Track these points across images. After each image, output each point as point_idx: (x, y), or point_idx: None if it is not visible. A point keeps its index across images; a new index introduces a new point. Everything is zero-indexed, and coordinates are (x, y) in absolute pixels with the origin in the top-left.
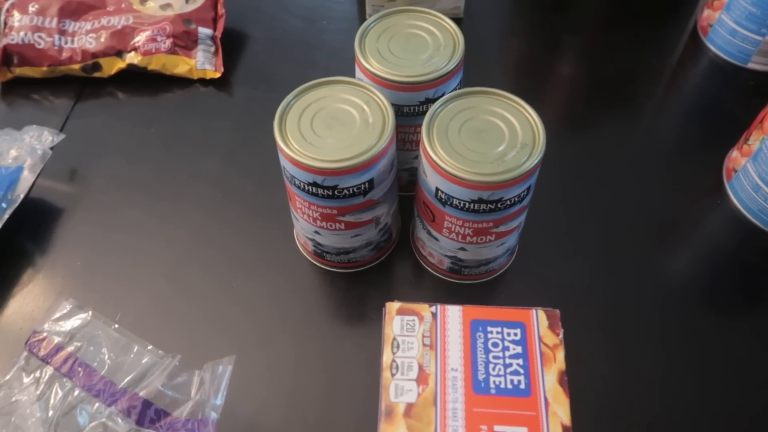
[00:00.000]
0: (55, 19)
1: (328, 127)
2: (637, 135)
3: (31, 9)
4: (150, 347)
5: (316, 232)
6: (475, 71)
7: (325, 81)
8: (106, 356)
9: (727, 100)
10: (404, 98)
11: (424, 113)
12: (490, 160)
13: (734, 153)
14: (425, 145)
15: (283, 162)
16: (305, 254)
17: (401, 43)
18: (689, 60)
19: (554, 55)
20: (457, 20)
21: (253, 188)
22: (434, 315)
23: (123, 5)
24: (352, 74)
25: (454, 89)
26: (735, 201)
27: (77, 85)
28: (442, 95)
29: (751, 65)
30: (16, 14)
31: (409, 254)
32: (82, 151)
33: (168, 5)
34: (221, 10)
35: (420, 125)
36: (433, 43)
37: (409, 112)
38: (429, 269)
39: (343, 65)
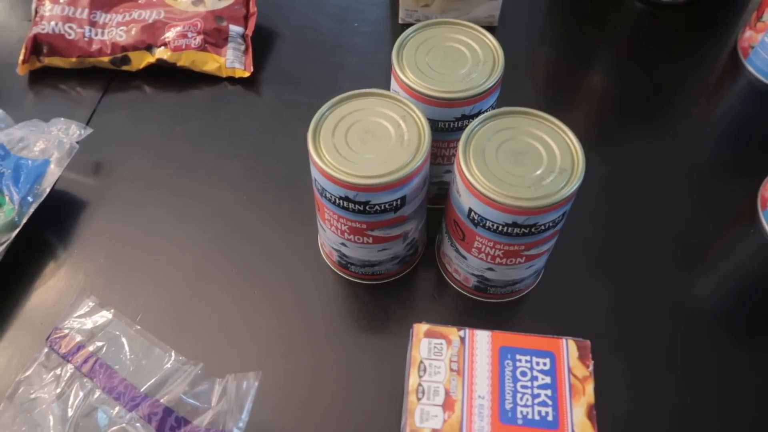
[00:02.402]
0: (87, 10)
1: (363, 141)
2: (670, 155)
3: None
4: (172, 352)
5: (343, 243)
6: (507, 81)
7: (361, 93)
8: (127, 358)
9: (765, 125)
10: (440, 113)
11: (459, 129)
12: (528, 184)
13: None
14: (461, 165)
15: (315, 174)
16: (329, 263)
17: (439, 56)
18: (727, 81)
19: (588, 67)
20: (491, 29)
21: (279, 192)
22: (462, 340)
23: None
24: (382, 79)
25: (492, 106)
26: None
27: (105, 77)
28: (479, 112)
29: None
30: (48, 3)
31: (434, 268)
32: (107, 145)
33: (200, 1)
34: (253, 8)
35: (454, 140)
36: (472, 58)
37: (444, 128)
38: (454, 285)
39: (372, 70)
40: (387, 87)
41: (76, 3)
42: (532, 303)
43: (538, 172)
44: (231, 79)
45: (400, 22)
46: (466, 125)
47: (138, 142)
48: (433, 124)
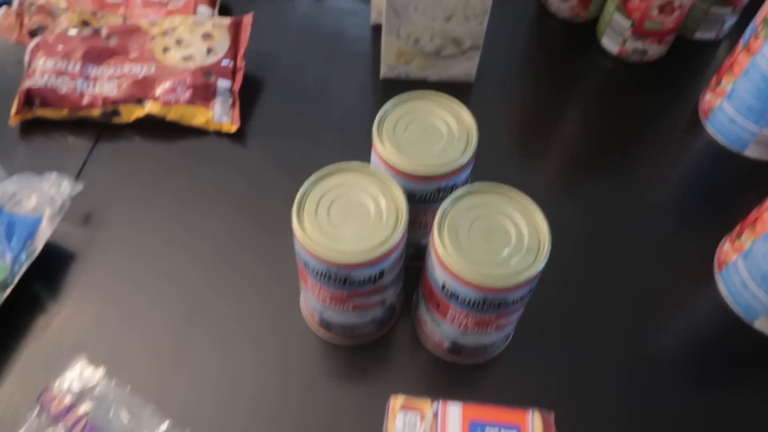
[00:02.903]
0: (79, 64)
1: (344, 218)
2: (635, 211)
3: (56, 50)
4: (160, 417)
5: (324, 308)
6: (482, 134)
7: (342, 168)
8: (117, 421)
9: (724, 184)
10: (418, 187)
11: (436, 200)
12: (497, 263)
13: (726, 245)
14: (436, 242)
15: (298, 248)
16: (310, 324)
17: (417, 131)
18: (689, 139)
19: (557, 123)
20: (468, 85)
21: (264, 244)
22: (435, 414)
23: (145, 53)
24: (364, 133)
25: (467, 177)
26: (725, 292)
27: (96, 128)
28: (455, 185)
29: (748, 153)
30: (41, 56)
31: (410, 327)
32: (97, 196)
33: (190, 57)
34: (240, 63)
35: (430, 209)
36: (447, 134)
37: (422, 199)
38: (428, 347)
39: (356, 123)
40: (368, 140)
41: (70, 56)
42: (503, 363)
43: (507, 251)
44: (219, 132)
45: (381, 77)
46: (443, 196)
47: (127, 193)
48: (411, 195)
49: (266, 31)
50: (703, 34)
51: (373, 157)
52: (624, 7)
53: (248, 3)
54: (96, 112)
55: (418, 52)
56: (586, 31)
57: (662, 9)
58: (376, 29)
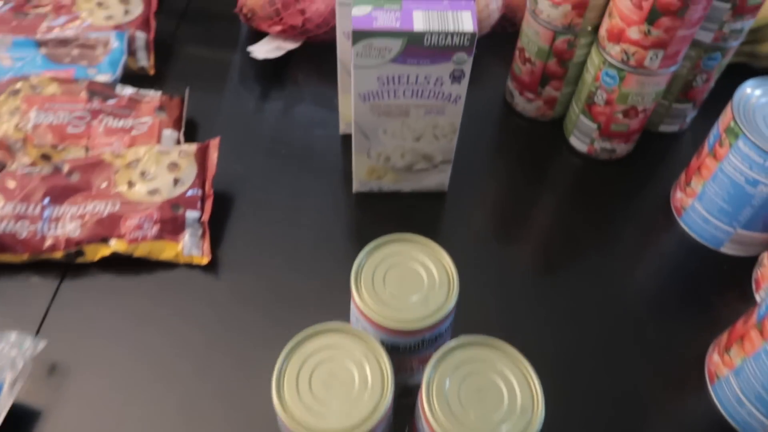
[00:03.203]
0: (40, 206)
1: (327, 387)
2: (611, 310)
3: (15, 194)
4: None
5: None
6: (456, 242)
7: (324, 329)
8: None
9: (702, 282)
10: (401, 340)
11: (420, 349)
12: (490, 430)
13: (715, 356)
14: (425, 410)
15: (282, 426)
16: None
17: (396, 280)
18: (664, 235)
19: (530, 223)
20: (441, 194)
21: (236, 382)
22: None
23: (110, 189)
24: (339, 253)
25: (450, 322)
26: (718, 406)
27: (59, 268)
28: (438, 335)
29: (724, 250)
30: (0, 200)
31: None
32: (64, 340)
33: (156, 191)
34: (209, 191)
35: (416, 357)
36: (428, 280)
37: (406, 350)
38: None
39: (330, 245)
40: (345, 265)
41: (29, 198)
42: None
43: (500, 414)
44: (189, 264)
45: (354, 191)
46: (429, 346)
47: (94, 335)
48: (395, 347)
49: (234, 149)
50: (667, 128)
51: (353, 309)
52: (589, 111)
53: (214, 117)
54: (59, 254)
55: (390, 168)
56: (554, 128)
57: (626, 113)
58: (346, 138)
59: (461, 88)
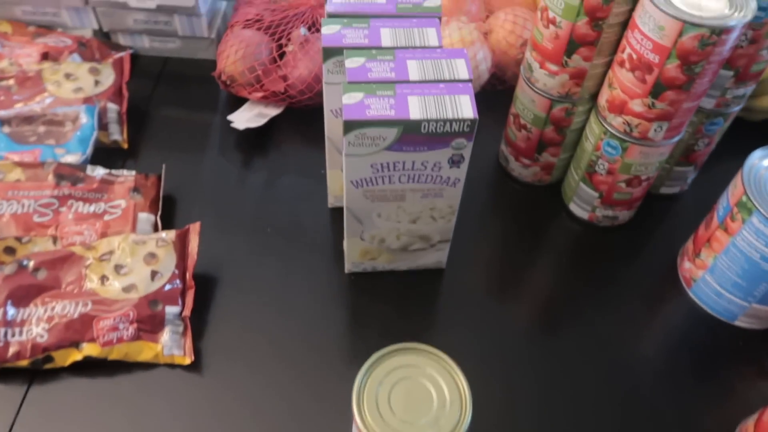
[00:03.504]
0: (2, 309)
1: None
2: (618, 381)
3: None
4: None
5: None
6: (456, 314)
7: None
8: None
9: (716, 357)
10: None
11: None
12: None
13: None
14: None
15: None
16: None
17: (403, 398)
18: (673, 306)
19: (533, 292)
20: (439, 270)
21: None
22: None
23: (81, 286)
24: (332, 351)
25: None
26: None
27: (25, 375)
28: None
29: (738, 323)
30: None
31: None
32: None
33: (132, 286)
34: (190, 282)
35: None
36: (438, 399)
37: None
38: None
39: (322, 333)
40: (338, 352)
41: None
42: None
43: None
44: (170, 364)
45: (346, 271)
46: None
47: None
48: None
49: (215, 228)
50: (668, 189)
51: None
52: (590, 179)
53: (193, 192)
54: (24, 363)
55: (384, 249)
56: (552, 193)
57: (629, 183)
58: (335, 212)
59: (460, 172)
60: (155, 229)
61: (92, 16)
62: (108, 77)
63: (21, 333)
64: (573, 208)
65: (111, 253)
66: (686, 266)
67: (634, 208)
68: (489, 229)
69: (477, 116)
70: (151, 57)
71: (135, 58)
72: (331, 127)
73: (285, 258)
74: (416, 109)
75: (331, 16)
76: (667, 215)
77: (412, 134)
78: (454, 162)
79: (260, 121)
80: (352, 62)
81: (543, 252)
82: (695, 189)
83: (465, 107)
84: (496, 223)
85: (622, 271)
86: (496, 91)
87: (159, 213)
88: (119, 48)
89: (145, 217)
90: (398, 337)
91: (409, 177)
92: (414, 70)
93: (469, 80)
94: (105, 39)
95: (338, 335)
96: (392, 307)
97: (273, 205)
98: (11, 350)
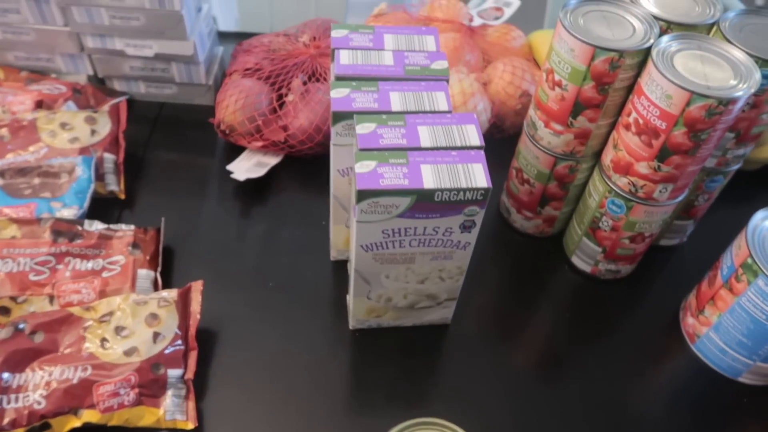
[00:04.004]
0: None
1: None
2: None
3: None
4: None
5: None
6: (460, 370)
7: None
8: None
9: (720, 413)
10: None
11: None
12: None
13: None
14: None
15: None
16: None
17: None
18: (677, 361)
19: (536, 344)
20: (445, 326)
21: None
22: None
23: (81, 350)
24: (337, 412)
25: None
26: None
27: None
28: None
29: (742, 380)
30: None
31: None
32: None
33: (133, 350)
34: (193, 343)
35: None
36: None
37: None
38: None
39: (325, 403)
40: (343, 414)
41: None
42: None
43: None
44: (173, 429)
45: (351, 328)
46: None
47: None
48: None
49: (216, 283)
50: (667, 242)
51: None
52: (593, 234)
53: (192, 245)
54: (21, 431)
55: (391, 308)
56: (554, 244)
57: (633, 239)
58: (337, 264)
59: (471, 236)
60: (155, 285)
61: (87, 62)
62: (104, 126)
63: (17, 399)
64: (575, 261)
65: (111, 314)
66: (689, 321)
67: (636, 262)
68: (491, 281)
69: (491, 185)
70: (146, 102)
71: (130, 102)
72: (337, 185)
73: (287, 314)
74: (429, 177)
75: (339, 78)
76: (667, 267)
77: (425, 202)
78: (466, 227)
79: (260, 171)
80: (363, 128)
81: (545, 305)
82: (693, 241)
83: (478, 176)
84: (497, 274)
85: (624, 324)
86: (495, 140)
87: (159, 269)
88: (114, 93)
89: (145, 274)
90: (404, 398)
91: (420, 241)
92: (425, 136)
93: (481, 147)
94: (99, 84)
95: (343, 398)
96: (397, 367)
97: (274, 258)
98: (7, 418)
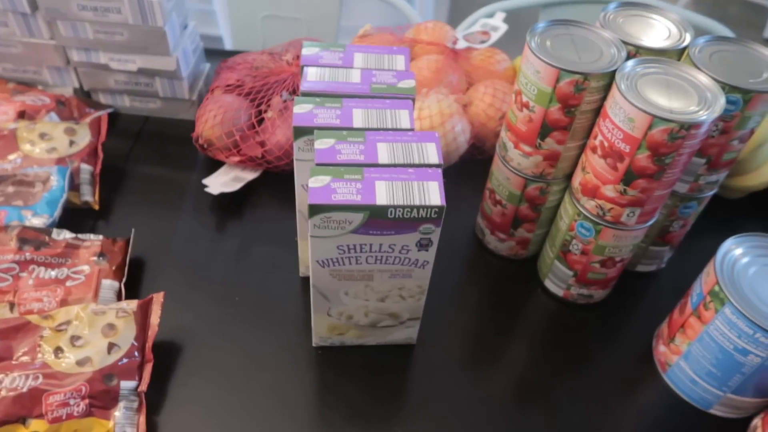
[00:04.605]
0: None
1: None
2: None
3: None
4: None
5: None
6: (425, 393)
7: None
8: None
9: None
10: None
11: None
12: None
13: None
14: None
15: None
16: None
17: None
18: (647, 389)
19: (505, 368)
20: (410, 346)
21: None
22: None
23: (35, 359)
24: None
25: None
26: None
27: None
28: None
29: (714, 412)
30: None
31: None
32: None
33: (87, 360)
34: (149, 355)
35: None
36: None
37: None
38: None
39: (283, 414)
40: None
41: None
42: None
43: None
44: None
45: (313, 345)
46: None
47: None
48: None
49: (183, 295)
50: (644, 267)
51: None
52: (564, 258)
53: (163, 257)
54: None
55: (353, 325)
56: (527, 267)
57: (604, 263)
58: (306, 281)
59: (429, 255)
60: (119, 296)
61: (73, 75)
62: (84, 137)
63: None
64: (548, 284)
65: (69, 323)
66: (661, 350)
67: (610, 287)
68: (463, 302)
69: (445, 203)
70: (131, 115)
71: (115, 116)
72: (302, 200)
73: (252, 329)
74: (383, 194)
75: (306, 94)
76: (644, 294)
77: (378, 219)
78: (423, 245)
79: (235, 186)
80: (321, 143)
81: (517, 328)
82: (672, 267)
83: (433, 194)
84: (470, 295)
85: (596, 351)
86: (475, 161)
87: (123, 280)
88: (99, 106)
89: (109, 284)
90: (365, 418)
91: (376, 258)
92: (384, 152)
93: (439, 165)
94: (85, 97)
95: (302, 417)
96: (360, 386)
97: (243, 272)
98: None
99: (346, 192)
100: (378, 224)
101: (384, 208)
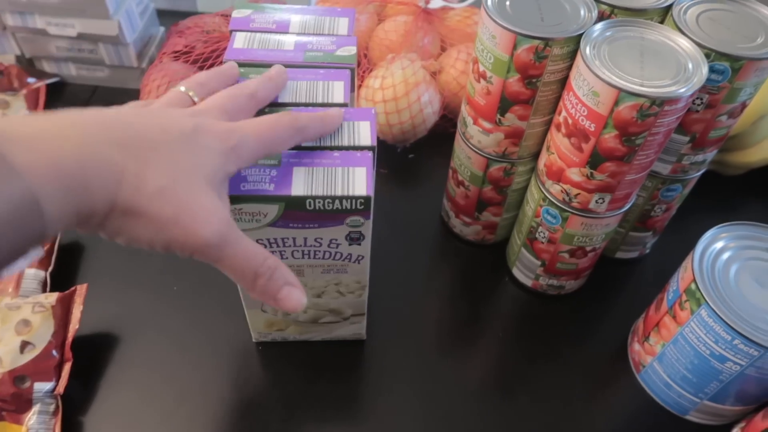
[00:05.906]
0: None
1: None
2: None
3: None
4: None
5: None
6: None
7: None
8: None
9: None
10: None
11: None
12: None
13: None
14: None
15: None
16: None
17: None
18: (620, 387)
19: (469, 369)
20: (360, 341)
21: None
22: None
23: None
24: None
25: None
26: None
27: None
28: None
29: (690, 418)
30: None
31: None
32: None
33: None
34: (68, 354)
35: None
36: None
37: None
38: None
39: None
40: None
41: None
42: None
43: None
44: None
45: (254, 340)
46: None
47: None
48: None
49: (117, 287)
50: (624, 254)
51: None
52: (531, 246)
53: (99, 244)
54: None
55: (292, 321)
56: (496, 254)
57: (573, 253)
58: None
59: (363, 249)
60: (44, 287)
61: (12, 41)
62: (18, 110)
63: None
64: (516, 273)
65: None
66: (635, 348)
67: (583, 277)
68: (426, 290)
69: (371, 193)
70: (79, 85)
71: (61, 85)
72: None
73: (189, 321)
74: (300, 183)
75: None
76: (623, 283)
77: (296, 211)
78: (353, 239)
79: None
80: None
81: (483, 320)
82: (656, 253)
83: (359, 182)
84: (433, 283)
85: (566, 346)
86: (446, 134)
87: (50, 269)
88: (44, 75)
89: (33, 273)
90: (301, 420)
91: (303, 253)
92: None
93: (372, 148)
94: (29, 66)
95: (232, 420)
96: (300, 385)
97: (184, 260)
98: None
99: (257, 180)
100: (297, 216)
101: (301, 199)
